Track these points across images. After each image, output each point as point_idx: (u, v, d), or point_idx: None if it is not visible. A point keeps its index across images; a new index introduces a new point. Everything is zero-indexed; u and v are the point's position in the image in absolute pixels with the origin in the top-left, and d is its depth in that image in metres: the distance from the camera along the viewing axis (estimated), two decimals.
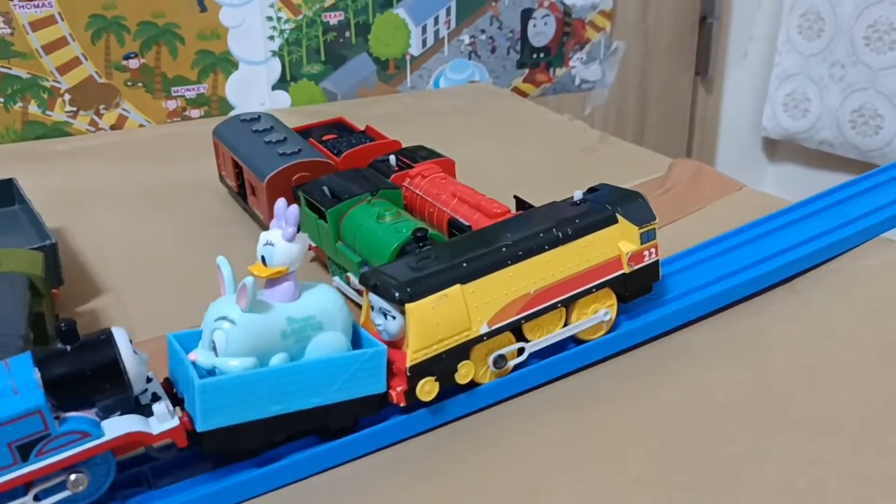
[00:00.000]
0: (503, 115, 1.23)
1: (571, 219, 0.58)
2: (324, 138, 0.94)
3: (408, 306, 0.51)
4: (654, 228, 0.60)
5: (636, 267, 0.60)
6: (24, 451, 0.43)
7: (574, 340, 0.60)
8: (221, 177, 0.97)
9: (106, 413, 0.46)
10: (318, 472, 0.51)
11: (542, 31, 1.44)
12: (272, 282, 0.50)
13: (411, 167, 0.81)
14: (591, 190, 0.63)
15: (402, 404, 0.52)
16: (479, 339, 0.54)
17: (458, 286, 0.53)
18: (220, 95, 1.27)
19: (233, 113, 1.27)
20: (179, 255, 0.85)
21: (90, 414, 0.45)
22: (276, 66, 1.28)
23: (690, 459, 0.51)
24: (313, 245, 0.78)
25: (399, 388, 0.52)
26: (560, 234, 0.57)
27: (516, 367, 0.57)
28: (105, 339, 0.46)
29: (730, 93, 1.76)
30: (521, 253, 0.55)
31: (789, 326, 0.64)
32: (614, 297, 0.60)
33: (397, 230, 0.69)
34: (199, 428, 0.47)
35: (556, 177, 0.99)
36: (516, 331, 0.56)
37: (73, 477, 0.44)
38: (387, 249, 0.67)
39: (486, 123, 1.19)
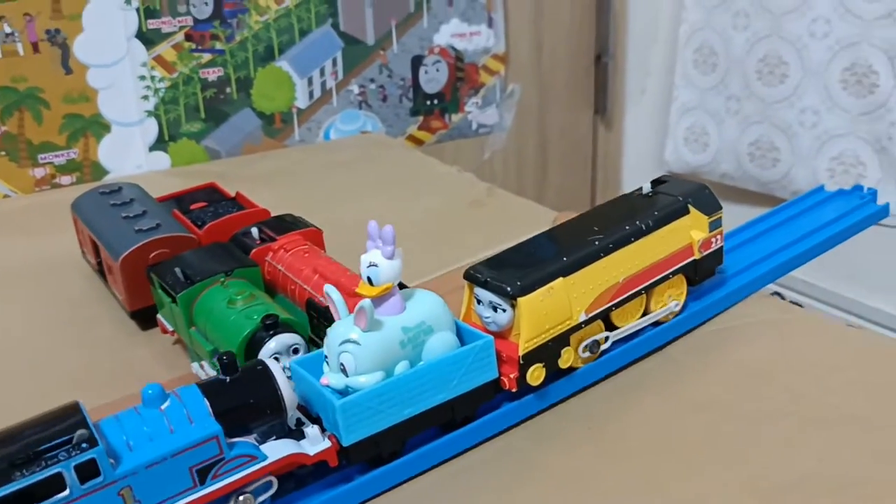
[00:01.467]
0: (392, 168, 1.19)
1: (651, 211, 0.62)
2: (192, 207, 0.89)
3: (520, 300, 0.55)
4: (721, 217, 0.65)
5: (706, 253, 0.65)
6: (202, 475, 0.46)
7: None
8: (83, 253, 0.91)
9: (263, 438, 0.50)
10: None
11: (434, 78, 1.41)
12: (380, 299, 0.54)
13: (274, 240, 0.76)
14: (657, 182, 0.67)
15: (514, 389, 0.57)
16: (578, 327, 0.59)
17: (561, 279, 0.57)
18: (92, 160, 1.20)
19: (108, 178, 1.21)
20: (30, 339, 0.79)
21: (250, 439, 0.49)
22: (152, 126, 1.22)
23: None
24: (170, 329, 0.73)
25: (511, 375, 0.56)
26: (643, 225, 0.61)
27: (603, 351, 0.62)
28: (262, 370, 0.50)
29: (631, 129, 1.76)
30: (611, 245, 0.60)
31: (660, 401, 0.60)
32: (685, 282, 0.66)
33: (248, 316, 0.64)
34: (345, 443, 0.51)
35: (440, 234, 0.95)
36: (605, 318, 0.61)
37: (241, 498, 0.48)
38: (236, 337, 0.63)
39: (374, 177, 1.15)
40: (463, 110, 1.47)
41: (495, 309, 0.56)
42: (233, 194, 0.91)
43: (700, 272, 0.66)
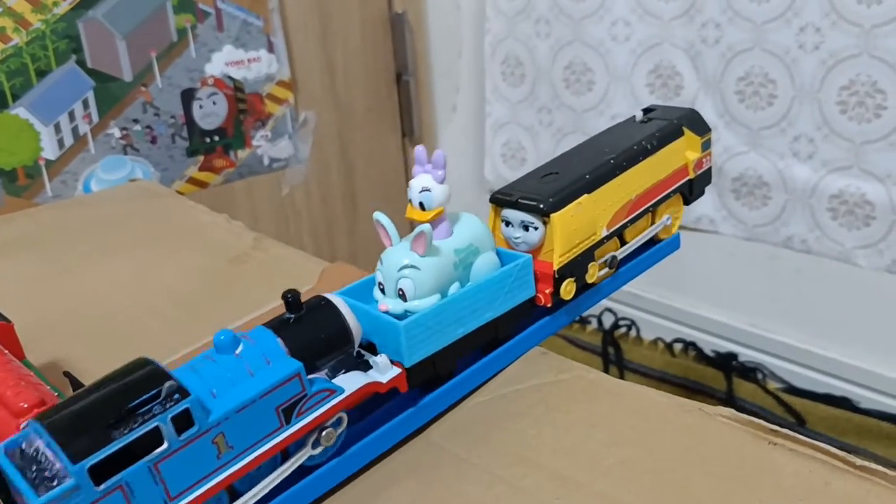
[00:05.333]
0: (152, 222, 1.03)
1: (653, 133, 0.64)
2: None
3: (553, 216, 0.57)
4: (710, 138, 0.68)
5: (699, 172, 0.68)
6: (287, 414, 0.45)
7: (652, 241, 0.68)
8: None
9: (333, 372, 0.49)
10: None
11: (211, 112, 1.26)
12: (432, 223, 0.53)
13: None
14: (647, 110, 0.69)
15: (549, 305, 0.58)
16: (601, 242, 0.61)
17: (586, 195, 0.59)
18: None
19: None
20: None
21: (322, 375, 0.48)
22: None
23: None
24: None
25: (547, 291, 0.58)
26: (648, 145, 0.64)
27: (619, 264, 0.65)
28: (327, 304, 0.49)
29: (445, 150, 1.64)
30: (625, 163, 0.62)
31: None
32: (682, 202, 0.69)
33: None
34: (407, 364, 0.51)
35: (190, 304, 0.80)
36: (619, 235, 0.64)
37: (324, 433, 0.47)
38: None
39: (131, 236, 0.99)
40: (250, 145, 1.32)
41: (526, 228, 0.58)
42: None
43: (694, 191, 0.69)
